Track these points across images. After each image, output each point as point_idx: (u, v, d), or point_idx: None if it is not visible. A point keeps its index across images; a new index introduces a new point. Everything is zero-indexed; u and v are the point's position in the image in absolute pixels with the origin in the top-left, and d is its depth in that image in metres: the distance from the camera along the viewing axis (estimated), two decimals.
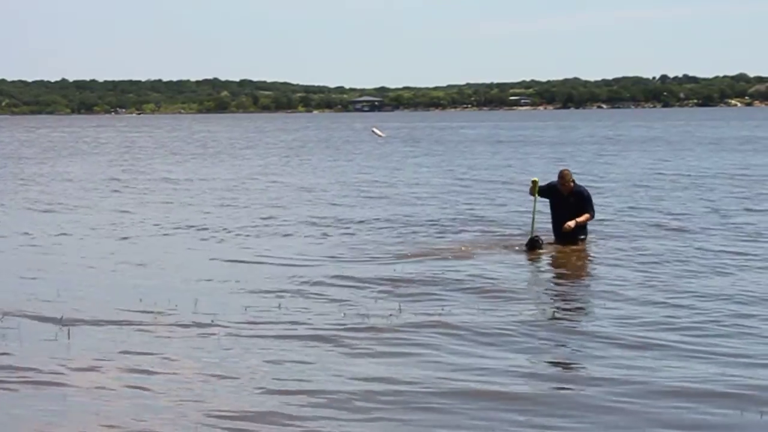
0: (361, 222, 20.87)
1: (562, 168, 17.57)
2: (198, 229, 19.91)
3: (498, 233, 18.66)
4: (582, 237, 16.65)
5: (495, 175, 34.53)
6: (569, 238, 16.46)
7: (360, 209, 23.64)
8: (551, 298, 12.80)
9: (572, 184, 16.59)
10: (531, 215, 16.73)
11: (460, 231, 19.19)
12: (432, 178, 33.69)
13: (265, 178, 34.42)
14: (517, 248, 16.47)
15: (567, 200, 16.53)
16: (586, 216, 16.48)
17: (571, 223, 16.37)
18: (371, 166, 40.71)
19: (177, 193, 28.74)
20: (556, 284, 14.00)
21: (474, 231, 19.17)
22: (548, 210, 17.09)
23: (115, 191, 29.69)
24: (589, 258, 15.80)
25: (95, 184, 32.26)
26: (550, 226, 17.00)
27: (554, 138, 71.86)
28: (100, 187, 31.35)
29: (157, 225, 20.80)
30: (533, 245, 16.26)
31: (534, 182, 16.74)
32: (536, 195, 16.62)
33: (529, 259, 15.73)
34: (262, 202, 25.81)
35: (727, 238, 17.66)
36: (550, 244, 16.60)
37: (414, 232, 19.09)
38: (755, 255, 15.73)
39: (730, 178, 31.18)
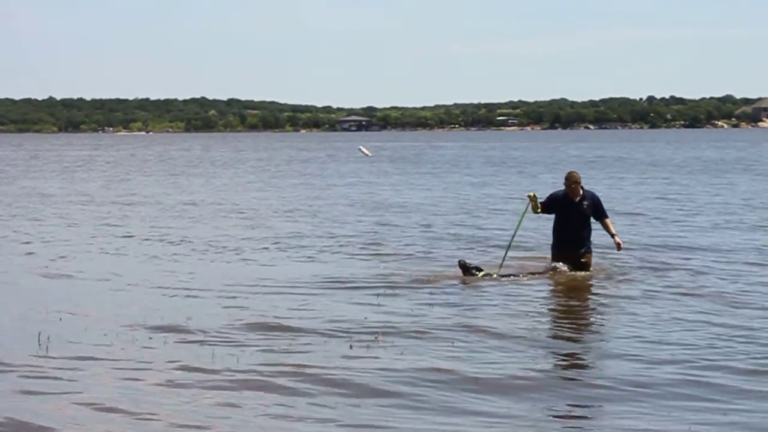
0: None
1: (569, 171, 15.86)
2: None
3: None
4: (589, 251, 15.32)
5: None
6: (576, 251, 15.16)
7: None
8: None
9: (582, 186, 15.33)
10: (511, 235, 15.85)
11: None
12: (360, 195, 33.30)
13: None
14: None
15: (580, 206, 15.20)
16: (609, 222, 15.44)
17: (620, 239, 15.34)
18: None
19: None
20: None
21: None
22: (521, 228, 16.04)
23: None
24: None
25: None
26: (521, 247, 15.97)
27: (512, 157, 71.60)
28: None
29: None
30: (464, 269, 15.24)
31: (531, 197, 15.42)
32: (538, 211, 15.29)
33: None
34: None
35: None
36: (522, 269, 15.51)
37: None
38: None
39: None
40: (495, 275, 15.30)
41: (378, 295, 13.82)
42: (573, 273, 15.25)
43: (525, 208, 15.72)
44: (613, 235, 15.39)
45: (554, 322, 12.58)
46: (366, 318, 12.23)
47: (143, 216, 26.55)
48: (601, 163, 59.45)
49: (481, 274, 15.29)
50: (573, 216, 15.20)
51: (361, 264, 17.24)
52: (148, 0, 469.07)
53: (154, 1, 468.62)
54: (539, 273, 15.54)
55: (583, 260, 15.33)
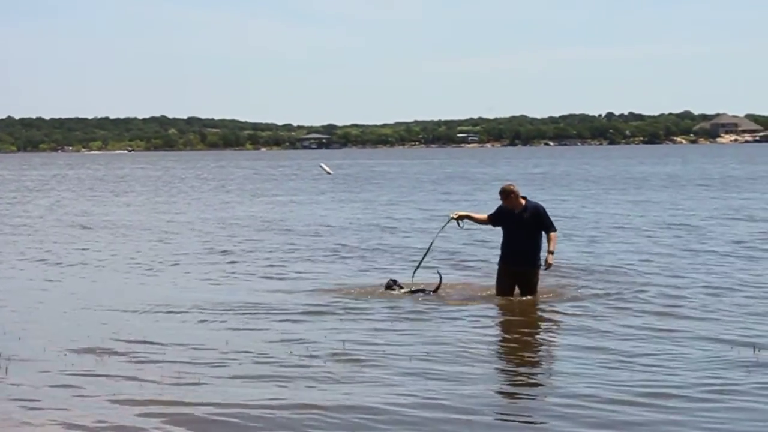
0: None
1: (504, 185, 15.10)
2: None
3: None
4: (539, 264, 14.73)
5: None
6: (519, 266, 14.67)
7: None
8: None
9: (522, 199, 14.80)
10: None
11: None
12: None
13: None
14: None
15: (521, 218, 14.69)
16: (553, 236, 14.74)
17: (552, 260, 14.68)
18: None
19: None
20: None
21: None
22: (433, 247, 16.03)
23: None
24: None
25: None
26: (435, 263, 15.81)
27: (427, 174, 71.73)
28: None
29: None
30: (389, 287, 15.28)
31: (453, 218, 15.12)
32: (461, 224, 15.10)
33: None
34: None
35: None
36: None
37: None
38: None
39: None
40: (404, 291, 15.21)
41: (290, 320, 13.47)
42: (507, 299, 14.76)
43: (444, 224, 15.54)
44: (549, 252, 14.74)
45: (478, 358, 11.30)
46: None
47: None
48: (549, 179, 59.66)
49: (404, 290, 15.16)
50: (514, 228, 14.75)
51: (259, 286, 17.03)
52: (107, 19, 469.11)
53: (113, 20, 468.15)
54: (437, 288, 15.23)
55: (527, 274, 14.79)
